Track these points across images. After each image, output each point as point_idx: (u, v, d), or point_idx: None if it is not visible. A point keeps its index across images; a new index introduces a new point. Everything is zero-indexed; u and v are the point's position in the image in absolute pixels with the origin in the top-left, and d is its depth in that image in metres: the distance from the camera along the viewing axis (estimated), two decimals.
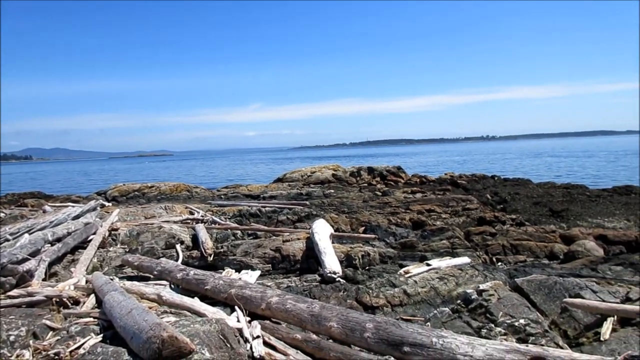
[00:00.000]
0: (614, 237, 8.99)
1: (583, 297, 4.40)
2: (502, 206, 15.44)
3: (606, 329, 3.92)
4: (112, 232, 8.88)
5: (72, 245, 7.42)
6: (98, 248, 7.81)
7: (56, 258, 6.75)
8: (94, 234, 8.37)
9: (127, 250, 8.07)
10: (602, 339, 3.85)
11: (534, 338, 3.91)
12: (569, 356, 2.66)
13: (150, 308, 4.04)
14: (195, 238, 8.56)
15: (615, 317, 4.01)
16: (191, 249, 8.24)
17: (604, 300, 4.34)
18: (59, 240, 7.39)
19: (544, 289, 4.71)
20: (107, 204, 15.33)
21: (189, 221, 10.79)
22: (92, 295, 4.58)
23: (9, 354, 3.23)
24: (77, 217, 9.95)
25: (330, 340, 3.58)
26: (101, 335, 3.46)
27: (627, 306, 4.07)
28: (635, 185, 18.39)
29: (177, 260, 7.38)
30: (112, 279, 5.04)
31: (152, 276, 5.88)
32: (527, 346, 3.00)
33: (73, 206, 12.27)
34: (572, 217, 13.16)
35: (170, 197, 19.10)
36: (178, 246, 8.16)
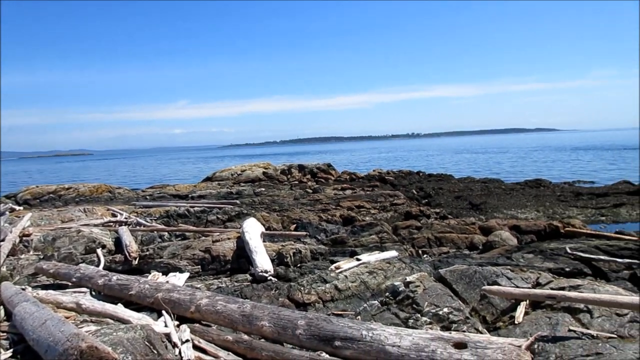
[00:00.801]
0: (526, 227, 9.74)
1: (499, 284, 4.72)
2: (426, 201, 16.18)
3: (520, 312, 4.24)
4: (24, 238, 8.22)
5: None
6: (7, 256, 7.23)
7: None
8: (3, 240, 7.70)
9: (42, 257, 7.51)
10: (516, 322, 4.15)
11: (456, 325, 4.13)
12: (487, 340, 2.84)
13: (67, 318, 3.79)
14: (118, 241, 8.14)
15: (527, 301, 4.34)
16: (114, 254, 7.84)
17: (517, 286, 4.68)
18: None
19: (465, 278, 4.99)
20: (17, 207, 14.15)
21: (112, 224, 10.23)
22: (1, 308, 4.23)
23: None
24: None
25: (263, 340, 3.56)
26: (11, 350, 3.21)
27: (537, 290, 4.42)
28: (543, 178, 20.08)
29: (98, 265, 6.98)
30: (23, 289, 4.68)
31: (70, 284, 5.53)
32: (450, 333, 3.17)
33: None
34: (489, 209, 14.11)
35: (90, 199, 18.04)
36: (99, 251, 7.72)
